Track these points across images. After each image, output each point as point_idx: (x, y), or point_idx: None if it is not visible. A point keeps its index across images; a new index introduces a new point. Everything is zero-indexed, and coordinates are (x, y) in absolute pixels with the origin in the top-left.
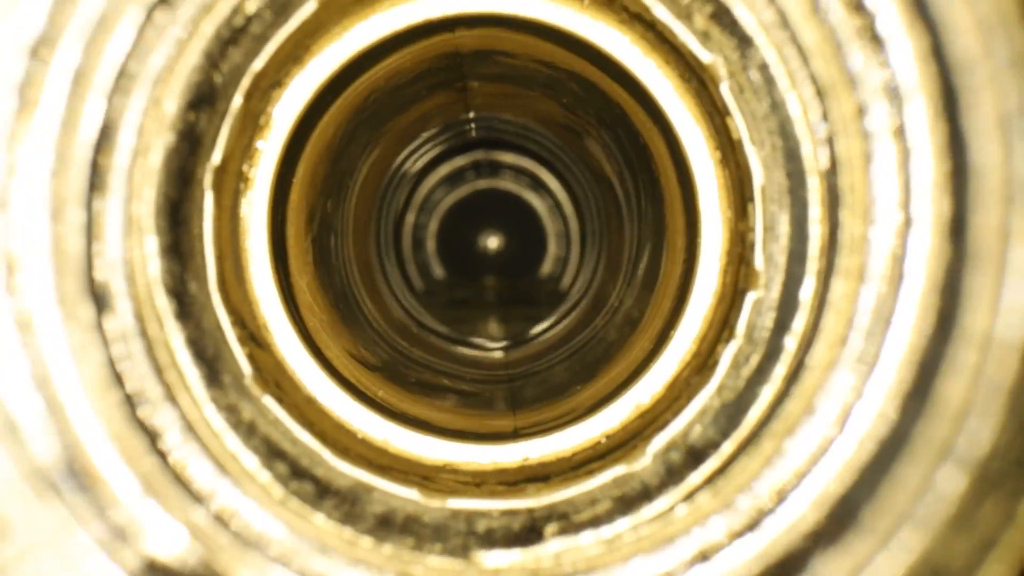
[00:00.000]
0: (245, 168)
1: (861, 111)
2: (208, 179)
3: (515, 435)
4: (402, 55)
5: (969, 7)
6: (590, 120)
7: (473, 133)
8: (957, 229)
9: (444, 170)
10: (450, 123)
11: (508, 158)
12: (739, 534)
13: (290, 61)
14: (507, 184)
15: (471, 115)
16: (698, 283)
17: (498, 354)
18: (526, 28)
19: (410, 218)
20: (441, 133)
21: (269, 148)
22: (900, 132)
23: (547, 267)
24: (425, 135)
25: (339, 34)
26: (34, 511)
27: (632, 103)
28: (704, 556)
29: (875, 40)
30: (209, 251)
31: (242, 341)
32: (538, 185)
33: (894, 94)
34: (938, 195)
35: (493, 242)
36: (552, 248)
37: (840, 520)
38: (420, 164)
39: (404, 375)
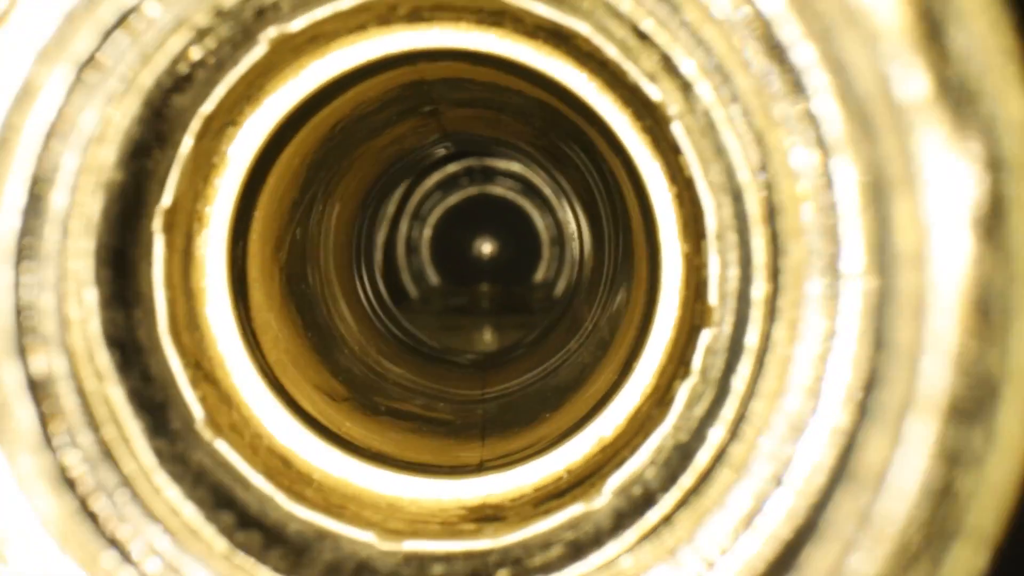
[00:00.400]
0: (199, 207)
1: (795, 166)
2: (158, 222)
3: (480, 468)
4: (365, 87)
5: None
6: (563, 143)
7: (448, 151)
8: (881, 297)
9: (420, 189)
10: (424, 144)
11: (487, 173)
12: None
13: (243, 101)
14: (491, 194)
15: (445, 135)
16: (659, 314)
17: (474, 373)
18: (487, 62)
19: (394, 233)
20: (415, 153)
21: (226, 185)
22: (828, 187)
23: (537, 277)
24: (399, 155)
25: (295, 72)
26: None
27: (595, 134)
28: None
29: (800, 91)
30: (160, 295)
31: (194, 384)
32: (518, 205)
33: (822, 146)
34: (858, 260)
35: (484, 250)
36: (542, 263)
37: None
38: (396, 183)
39: (375, 404)
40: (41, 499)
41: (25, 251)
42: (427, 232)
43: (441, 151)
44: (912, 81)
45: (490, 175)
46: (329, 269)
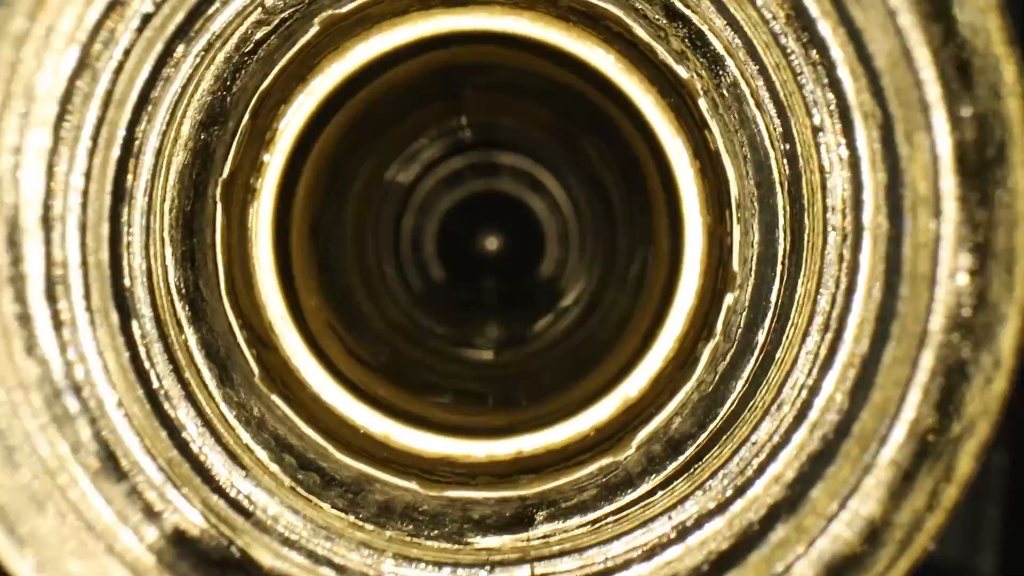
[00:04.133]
0: (252, 180)
1: (816, 129)
2: (218, 192)
3: (510, 430)
4: (399, 70)
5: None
6: (582, 128)
7: (468, 138)
8: (895, 238)
9: (440, 173)
10: (446, 129)
11: (504, 160)
12: (710, 515)
13: (295, 80)
14: (503, 186)
15: (466, 122)
16: (682, 285)
17: (494, 355)
18: (517, 45)
19: (407, 222)
20: (437, 139)
21: (274, 161)
22: (852, 148)
23: (545, 270)
24: (422, 141)
25: (341, 54)
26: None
27: (619, 114)
28: (680, 535)
29: (826, 66)
30: (219, 259)
31: (250, 343)
32: (535, 188)
33: (843, 115)
34: (876, 207)
35: (490, 244)
36: (550, 251)
37: (792, 501)
38: (416, 169)
39: (403, 375)
40: (141, 429)
41: (120, 208)
42: (430, 227)
43: (458, 141)
44: (920, 54)
45: (494, 170)
46: (350, 252)
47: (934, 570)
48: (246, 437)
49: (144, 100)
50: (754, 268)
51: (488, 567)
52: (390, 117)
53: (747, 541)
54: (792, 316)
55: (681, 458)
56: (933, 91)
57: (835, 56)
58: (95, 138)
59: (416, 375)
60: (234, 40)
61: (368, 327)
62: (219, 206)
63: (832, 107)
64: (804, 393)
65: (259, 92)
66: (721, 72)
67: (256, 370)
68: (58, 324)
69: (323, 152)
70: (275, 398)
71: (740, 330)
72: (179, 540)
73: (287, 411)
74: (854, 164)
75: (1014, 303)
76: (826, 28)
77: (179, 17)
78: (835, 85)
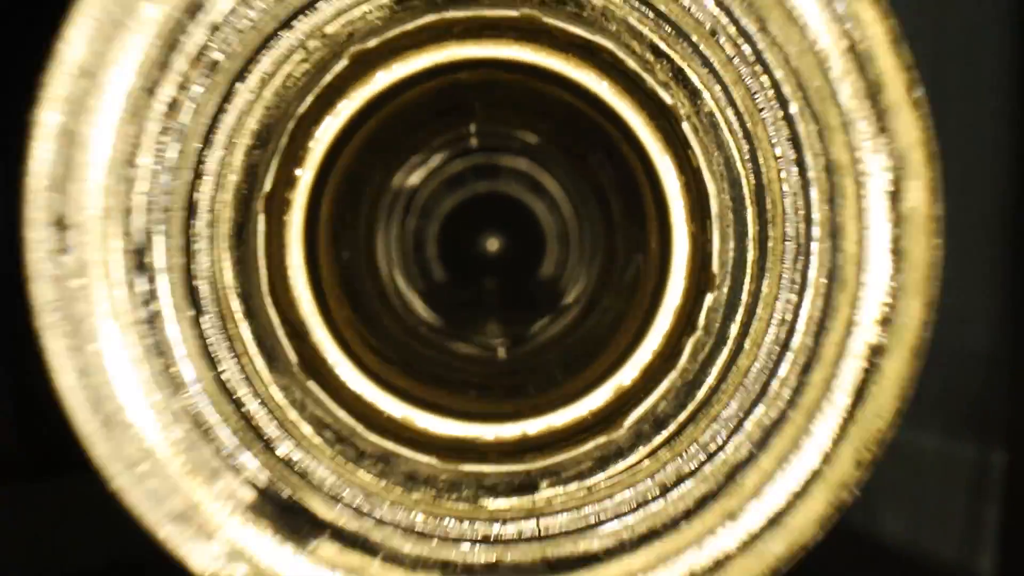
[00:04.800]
0: (287, 193)
1: (777, 157)
2: (260, 204)
3: (516, 415)
4: (413, 91)
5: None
6: (582, 144)
7: (475, 145)
8: (835, 234)
9: (448, 182)
10: (454, 139)
11: (508, 171)
12: (688, 474)
13: (325, 105)
14: (507, 189)
15: (474, 133)
16: (670, 286)
17: (498, 353)
18: (520, 70)
19: (410, 224)
20: (445, 147)
21: (304, 175)
22: (803, 176)
23: (546, 271)
24: (430, 150)
25: (365, 81)
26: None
27: (615, 133)
28: (661, 491)
29: (782, 104)
30: (262, 263)
31: (289, 336)
32: (537, 194)
33: (796, 146)
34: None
35: (492, 245)
36: (550, 254)
37: (750, 461)
38: (423, 176)
39: (416, 369)
40: (218, 407)
41: (191, 220)
42: (435, 229)
43: (465, 148)
44: (846, 93)
45: (498, 173)
46: (361, 254)
47: (934, 570)
48: (293, 415)
49: (210, 132)
50: (730, 271)
51: (502, 521)
52: (402, 131)
53: (715, 491)
54: (758, 312)
55: (664, 433)
56: (856, 133)
57: (787, 94)
58: (176, 167)
59: (427, 369)
60: (279, 77)
61: (381, 325)
62: (261, 217)
63: (787, 138)
64: (764, 376)
65: (296, 117)
66: (699, 102)
67: (294, 359)
68: (151, 317)
69: (343, 165)
70: (311, 384)
71: (717, 324)
72: (260, 489)
73: (321, 395)
74: (804, 188)
75: (921, 298)
76: (779, 72)
77: (238, 64)
78: (789, 121)
